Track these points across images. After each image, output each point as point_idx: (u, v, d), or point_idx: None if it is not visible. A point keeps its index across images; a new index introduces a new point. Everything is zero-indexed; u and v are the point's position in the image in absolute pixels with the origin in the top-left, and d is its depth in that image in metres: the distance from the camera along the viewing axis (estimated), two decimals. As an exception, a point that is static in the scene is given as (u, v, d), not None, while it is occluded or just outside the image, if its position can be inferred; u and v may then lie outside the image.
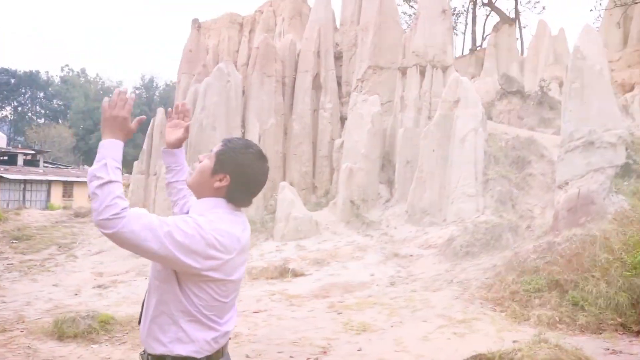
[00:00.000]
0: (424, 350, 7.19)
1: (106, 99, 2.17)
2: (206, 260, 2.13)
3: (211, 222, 2.17)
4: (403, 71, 17.38)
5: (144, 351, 2.35)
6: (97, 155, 2.08)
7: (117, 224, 1.97)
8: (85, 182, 35.58)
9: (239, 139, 2.43)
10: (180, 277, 2.19)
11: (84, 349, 7.16)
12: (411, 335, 7.78)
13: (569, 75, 10.73)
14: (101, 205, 1.98)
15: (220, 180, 2.29)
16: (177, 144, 2.85)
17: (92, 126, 63.27)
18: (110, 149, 2.09)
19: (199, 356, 2.24)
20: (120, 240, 2.01)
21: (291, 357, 6.86)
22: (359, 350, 7.17)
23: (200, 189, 2.35)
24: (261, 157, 2.37)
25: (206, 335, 2.26)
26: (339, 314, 8.93)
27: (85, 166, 53.43)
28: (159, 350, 2.24)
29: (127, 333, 7.86)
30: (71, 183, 38.55)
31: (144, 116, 2.35)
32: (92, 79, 76.27)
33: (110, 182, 2.01)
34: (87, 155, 62.23)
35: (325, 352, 7.12)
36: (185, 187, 2.81)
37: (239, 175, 2.30)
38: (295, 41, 21.60)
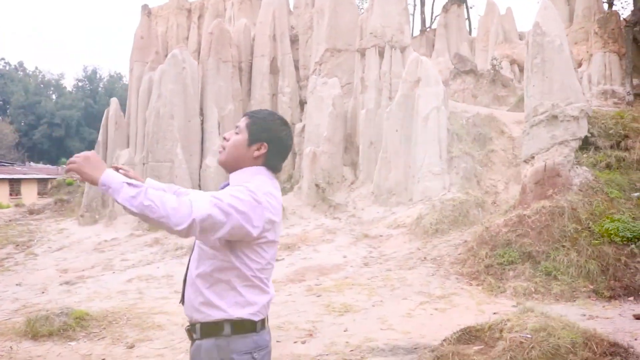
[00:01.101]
0: (408, 327, 7.24)
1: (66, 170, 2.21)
2: (265, 223, 2.26)
3: (258, 187, 2.29)
4: (362, 52, 17.35)
5: (190, 325, 2.39)
6: (112, 191, 2.11)
7: (190, 216, 2.08)
8: (34, 179, 34.17)
9: (261, 110, 2.56)
10: (234, 243, 2.28)
11: (62, 347, 6.88)
12: (394, 314, 7.82)
13: (530, 50, 10.91)
14: (165, 210, 2.06)
15: (259, 149, 2.41)
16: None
17: (35, 121, 60.78)
18: (112, 177, 2.12)
19: (256, 319, 2.35)
20: (198, 228, 2.10)
21: (278, 341, 6.77)
22: (345, 331, 7.15)
23: (237, 162, 2.44)
24: (286, 123, 2.54)
25: (262, 298, 2.38)
26: (318, 296, 8.89)
27: (31, 163, 51.40)
28: (217, 316, 2.30)
29: (104, 328, 7.61)
30: (18, 181, 36.99)
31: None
32: (31, 73, 73.12)
33: (146, 189, 2.09)
34: (32, 151, 59.85)
35: (311, 335, 7.07)
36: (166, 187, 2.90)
37: (274, 141, 2.44)
38: (249, 25, 21.25)
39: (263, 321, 2.40)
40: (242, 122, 2.47)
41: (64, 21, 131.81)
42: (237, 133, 2.46)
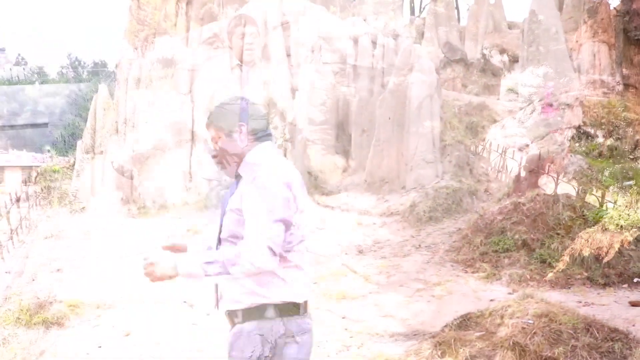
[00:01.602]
0: (406, 314, 7.26)
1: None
2: (296, 195, 2.31)
3: (271, 166, 2.32)
4: (355, 40, 17.24)
5: (230, 310, 2.36)
6: (198, 277, 2.20)
7: (274, 260, 2.18)
8: (17, 166, 33.58)
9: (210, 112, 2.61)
10: None
11: (56, 334, 6.82)
12: (391, 301, 7.83)
13: (526, 38, 10.92)
14: (250, 266, 2.15)
15: (240, 131, 2.41)
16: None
17: (18, 108, 59.88)
18: (189, 266, 2.20)
19: (299, 300, 2.33)
20: (278, 245, 2.20)
21: (277, 329, 6.74)
22: (343, 318, 7.14)
23: (237, 156, 2.43)
24: (234, 98, 2.55)
25: (301, 277, 2.35)
26: (314, 284, 8.86)
27: (15, 150, 50.65)
28: (259, 301, 2.28)
29: (99, 316, 7.54)
30: (2, 168, 36.45)
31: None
32: (13, 60, 71.97)
33: (223, 262, 2.16)
34: (15, 139, 59.06)
35: (310, 322, 7.05)
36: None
37: (240, 114, 2.43)
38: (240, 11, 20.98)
39: (306, 304, 2.38)
40: (212, 132, 2.48)
41: (65, 21, 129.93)
42: (216, 142, 2.46)
